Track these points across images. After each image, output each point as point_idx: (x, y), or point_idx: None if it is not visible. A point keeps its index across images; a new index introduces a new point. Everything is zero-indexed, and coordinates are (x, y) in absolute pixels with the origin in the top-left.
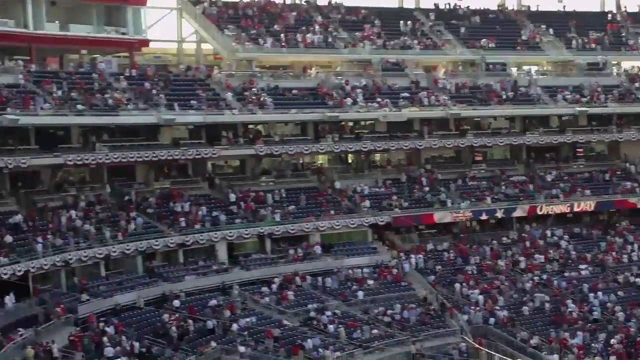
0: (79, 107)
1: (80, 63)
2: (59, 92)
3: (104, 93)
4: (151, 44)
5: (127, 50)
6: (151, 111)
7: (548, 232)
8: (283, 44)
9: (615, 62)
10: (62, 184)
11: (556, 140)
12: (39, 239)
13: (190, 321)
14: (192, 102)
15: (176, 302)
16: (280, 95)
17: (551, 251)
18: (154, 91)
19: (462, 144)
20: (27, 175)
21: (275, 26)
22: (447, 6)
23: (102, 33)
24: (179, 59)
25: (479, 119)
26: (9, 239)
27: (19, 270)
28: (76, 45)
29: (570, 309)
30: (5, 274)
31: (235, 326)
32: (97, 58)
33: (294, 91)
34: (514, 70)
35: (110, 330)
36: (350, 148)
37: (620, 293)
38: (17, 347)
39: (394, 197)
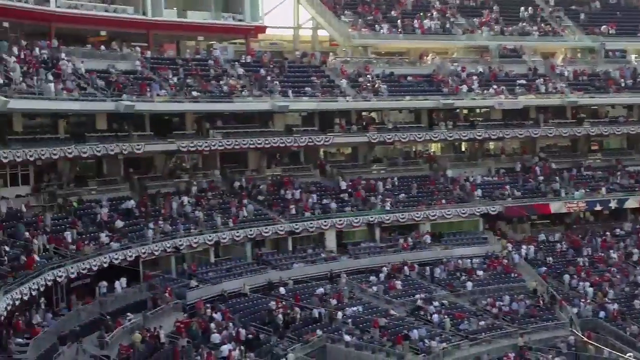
0: (194, 93)
1: (197, 50)
2: (175, 79)
3: (219, 80)
4: (267, 31)
5: (243, 36)
6: (265, 98)
7: None
8: (399, 30)
9: None
10: (175, 170)
11: None
12: (150, 225)
13: (297, 309)
14: (306, 88)
15: (282, 289)
16: (395, 82)
17: None
18: (269, 78)
19: (579, 132)
20: (141, 161)
21: (392, 12)
22: None
23: (219, 19)
24: (294, 46)
25: (596, 107)
26: (119, 224)
27: (130, 256)
28: (193, 31)
29: None
30: (117, 259)
31: (339, 314)
32: (214, 44)
33: (409, 78)
34: (633, 57)
35: (217, 316)
36: (464, 136)
37: None
38: (126, 332)
39: (507, 187)
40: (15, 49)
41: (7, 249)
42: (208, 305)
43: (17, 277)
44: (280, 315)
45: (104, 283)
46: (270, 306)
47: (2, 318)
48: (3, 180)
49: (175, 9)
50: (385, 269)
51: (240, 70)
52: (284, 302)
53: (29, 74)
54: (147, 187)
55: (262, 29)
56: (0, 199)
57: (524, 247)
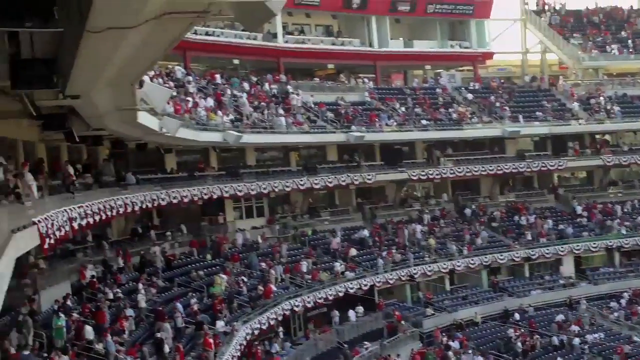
0: (423, 122)
1: (424, 78)
2: (403, 108)
3: (447, 107)
4: (494, 56)
5: (470, 63)
6: (495, 124)
7: None
8: (630, 50)
9: None
10: (407, 199)
11: None
12: (384, 254)
13: (537, 337)
14: (537, 113)
15: (516, 315)
16: (628, 104)
17: None
18: (498, 103)
19: None
20: (372, 190)
21: (622, 32)
22: None
23: (446, 48)
24: (523, 70)
25: None
26: (353, 252)
27: (365, 285)
28: (420, 61)
29: None
30: (352, 288)
31: (576, 341)
32: (441, 72)
33: None
34: None
35: (454, 345)
36: None
37: None
38: None
39: None
40: (245, 85)
41: (245, 279)
42: (444, 333)
43: (256, 307)
44: (519, 343)
45: (336, 312)
46: (509, 334)
47: (243, 347)
48: (239, 212)
49: (401, 39)
50: (626, 294)
51: (469, 97)
52: (522, 330)
53: (259, 109)
54: (379, 217)
55: (489, 55)
56: (237, 231)
57: None
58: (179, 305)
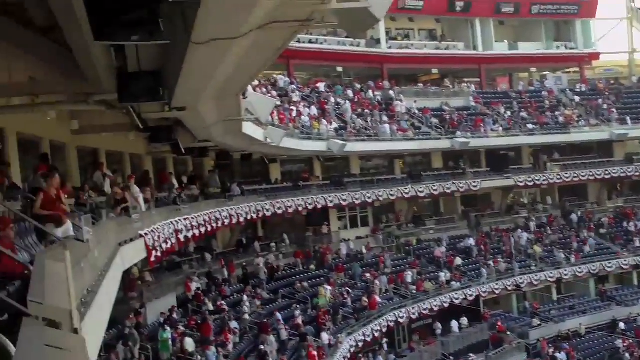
0: (529, 126)
1: (530, 81)
2: (509, 112)
3: (554, 111)
4: (601, 57)
5: (577, 65)
6: (603, 127)
7: None
8: None
9: None
10: (513, 206)
11: None
12: (489, 263)
13: None
14: None
15: (621, 325)
16: None
17: None
18: (605, 106)
19: None
20: (478, 198)
21: None
22: None
23: (551, 49)
24: (630, 71)
25: None
26: (458, 261)
27: (470, 295)
28: (525, 63)
29: None
30: (457, 298)
31: None
32: (546, 75)
33: None
34: None
35: (561, 356)
36: None
37: None
38: None
39: None
40: (349, 92)
41: (349, 290)
42: (551, 344)
43: (360, 319)
44: (627, 354)
45: (439, 325)
46: (616, 344)
47: None
48: (343, 222)
49: (505, 41)
50: None
51: (576, 99)
52: (630, 340)
53: (362, 116)
54: (484, 225)
55: (595, 56)
56: (341, 241)
57: None
58: (280, 317)
